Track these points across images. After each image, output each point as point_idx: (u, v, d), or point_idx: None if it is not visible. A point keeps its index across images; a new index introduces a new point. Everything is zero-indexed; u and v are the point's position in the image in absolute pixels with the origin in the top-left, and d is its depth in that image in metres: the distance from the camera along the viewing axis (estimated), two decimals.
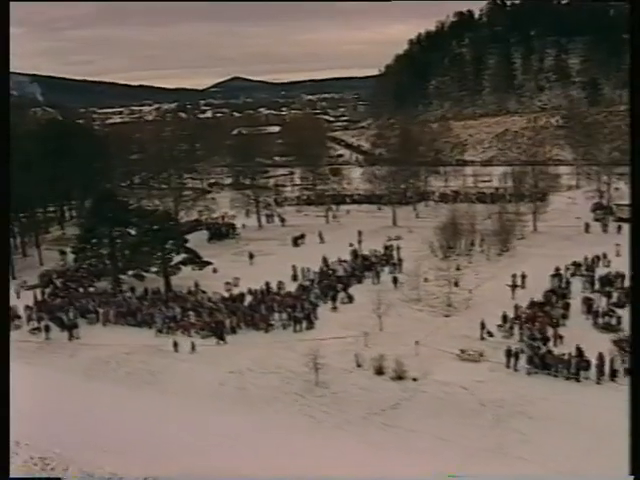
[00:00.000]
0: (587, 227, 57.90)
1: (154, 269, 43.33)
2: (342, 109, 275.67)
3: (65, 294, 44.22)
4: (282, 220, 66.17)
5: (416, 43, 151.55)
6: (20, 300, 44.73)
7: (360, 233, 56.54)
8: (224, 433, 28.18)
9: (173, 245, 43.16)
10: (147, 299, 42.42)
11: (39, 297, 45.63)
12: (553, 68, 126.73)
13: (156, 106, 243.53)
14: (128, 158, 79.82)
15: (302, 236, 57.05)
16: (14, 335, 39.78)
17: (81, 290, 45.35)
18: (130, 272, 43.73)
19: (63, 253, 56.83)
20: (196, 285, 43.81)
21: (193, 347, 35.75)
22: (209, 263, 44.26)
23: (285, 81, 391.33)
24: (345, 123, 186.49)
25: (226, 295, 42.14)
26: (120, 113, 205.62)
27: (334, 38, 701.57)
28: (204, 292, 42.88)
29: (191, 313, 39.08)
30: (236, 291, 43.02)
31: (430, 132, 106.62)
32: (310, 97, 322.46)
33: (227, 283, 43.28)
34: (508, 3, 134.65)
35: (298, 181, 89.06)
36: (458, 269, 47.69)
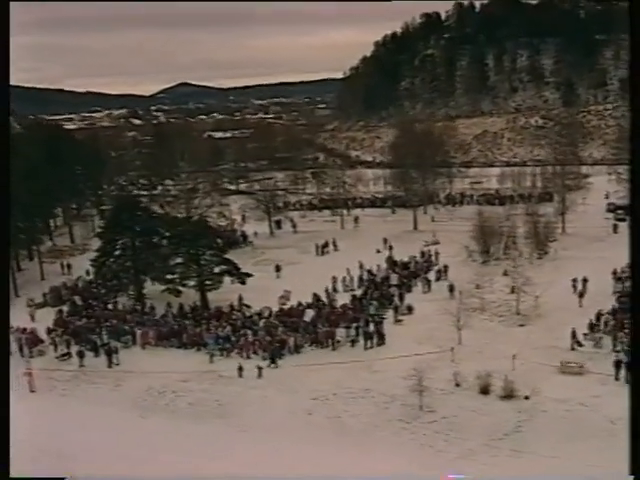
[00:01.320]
0: (615, 228, 56.42)
1: (191, 283, 38.73)
2: (295, 113, 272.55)
3: (88, 313, 39.00)
4: (294, 226, 62.13)
5: (382, 45, 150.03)
6: (37, 321, 39.66)
7: (386, 240, 53.48)
8: (329, 473, 24.39)
9: (212, 256, 38.68)
10: (187, 317, 37.76)
11: (53, 316, 40.30)
12: (526, 69, 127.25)
13: (107, 112, 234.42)
14: (106, 164, 74.00)
15: (326, 244, 53.30)
16: (40, 362, 34.97)
17: (104, 308, 40.12)
18: (163, 287, 38.93)
19: (68, 266, 51.48)
20: (240, 299, 39.46)
21: (260, 371, 31.58)
22: (249, 275, 39.98)
23: (233, 86, 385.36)
24: (306, 127, 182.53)
25: (272, 310, 37.95)
26: (71, 120, 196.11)
27: (281, 44, 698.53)
28: (248, 306, 38.67)
29: (245, 332, 34.79)
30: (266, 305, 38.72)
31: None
32: (260, 102, 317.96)
33: (282, 297, 39.11)
34: (477, 4, 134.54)
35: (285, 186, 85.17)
36: (505, 274, 45.06)
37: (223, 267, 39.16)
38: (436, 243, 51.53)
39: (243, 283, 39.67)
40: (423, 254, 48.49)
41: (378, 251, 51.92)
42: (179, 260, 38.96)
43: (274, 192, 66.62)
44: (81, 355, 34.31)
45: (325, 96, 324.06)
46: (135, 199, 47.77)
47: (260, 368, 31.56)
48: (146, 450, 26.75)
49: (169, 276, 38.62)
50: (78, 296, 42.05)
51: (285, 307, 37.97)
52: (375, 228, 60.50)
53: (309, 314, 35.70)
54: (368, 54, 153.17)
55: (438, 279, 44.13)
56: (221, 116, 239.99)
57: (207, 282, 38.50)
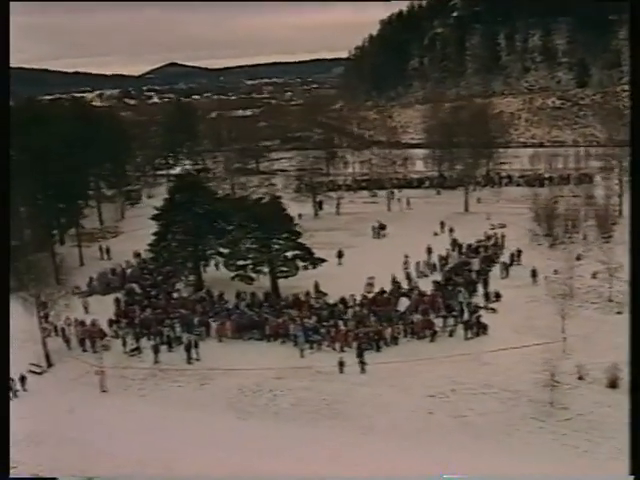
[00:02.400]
0: None
1: (265, 269, 35.90)
2: (289, 93, 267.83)
3: (152, 303, 36.01)
4: (338, 207, 59.19)
5: (389, 24, 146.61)
6: (90, 313, 36.69)
7: (443, 222, 51.02)
8: (462, 477, 22.07)
9: (286, 240, 35.84)
10: (262, 306, 34.97)
11: (104, 306, 37.38)
12: (538, 49, 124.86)
13: (98, 92, 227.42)
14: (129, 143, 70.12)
15: (383, 227, 50.62)
16: (105, 359, 31.99)
17: (168, 297, 37.12)
18: (233, 273, 36.02)
19: (107, 251, 48.35)
20: (316, 287, 36.74)
21: (363, 366, 29.02)
22: (323, 260, 37.20)
23: (222, 66, 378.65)
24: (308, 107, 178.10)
25: (356, 297, 35.32)
26: (68, 99, 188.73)
27: (268, 24, 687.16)
28: (324, 294, 36.01)
29: (336, 322, 32.15)
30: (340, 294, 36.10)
31: (423, 114, 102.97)
32: (252, 82, 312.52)
33: (369, 284, 36.46)
34: None
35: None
36: (578, 259, 42.85)
37: (296, 252, 36.30)
38: (503, 226, 49.12)
39: (314, 267, 36.86)
40: (489, 237, 46.09)
41: (436, 234, 49.58)
42: (250, 245, 36.01)
43: (304, 172, 63.71)
44: (156, 350, 31.44)
45: (317, 76, 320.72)
46: (195, 178, 44.42)
47: (363, 363, 29.00)
48: (252, 456, 24.24)
49: (241, 262, 35.68)
50: (136, 284, 38.91)
51: (369, 295, 35.33)
52: (423, 210, 58.03)
53: (404, 303, 33.12)
54: (374, 33, 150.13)
55: (511, 264, 41.78)
56: (216, 96, 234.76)
57: (283, 268, 35.63)
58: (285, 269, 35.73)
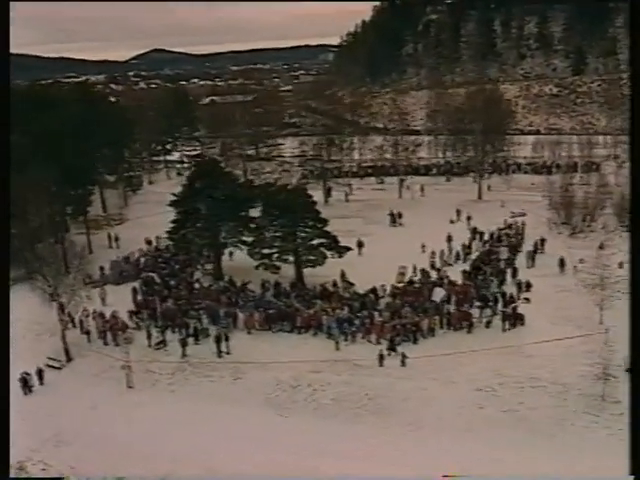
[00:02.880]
0: None
1: (290, 258, 34.68)
2: (277, 79, 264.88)
3: (173, 293, 34.63)
4: (347, 194, 57.95)
5: (382, 10, 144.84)
6: (109, 304, 35.27)
7: (459, 210, 50.17)
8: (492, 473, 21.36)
9: (312, 228, 34.61)
10: (288, 296, 33.78)
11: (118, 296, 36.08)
12: (534, 36, 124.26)
13: (84, 78, 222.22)
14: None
15: (400, 214, 49.50)
16: (131, 353, 30.58)
17: (190, 287, 35.76)
18: (257, 261, 34.76)
19: (116, 238, 46.78)
20: (342, 275, 35.61)
21: (403, 359, 28.03)
22: (348, 248, 36.03)
23: (207, 52, 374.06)
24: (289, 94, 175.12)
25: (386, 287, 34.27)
26: (51, 85, 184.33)
27: (251, 11, 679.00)
28: (351, 284, 34.90)
29: (371, 313, 31.08)
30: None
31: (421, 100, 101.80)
32: (237, 68, 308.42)
33: (401, 273, 35.39)
34: None
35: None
36: (602, 248, 42.15)
37: (322, 240, 35.09)
38: (522, 214, 48.32)
39: (340, 256, 35.71)
40: (510, 226, 45.27)
41: (452, 221, 48.79)
42: (274, 233, 34.72)
43: (307, 158, 62.35)
44: (184, 343, 30.10)
45: (302, 63, 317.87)
46: (215, 162, 42.75)
47: (405, 356, 28.00)
48: (294, 454, 23.13)
49: (266, 250, 34.41)
50: (153, 273, 37.45)
51: (400, 285, 34.29)
52: (434, 197, 57.12)
53: (438, 293, 32.10)
54: (367, 19, 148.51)
55: (535, 252, 41.01)
56: (203, 82, 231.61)
57: (310, 257, 34.39)
58: (313, 258, 34.52)
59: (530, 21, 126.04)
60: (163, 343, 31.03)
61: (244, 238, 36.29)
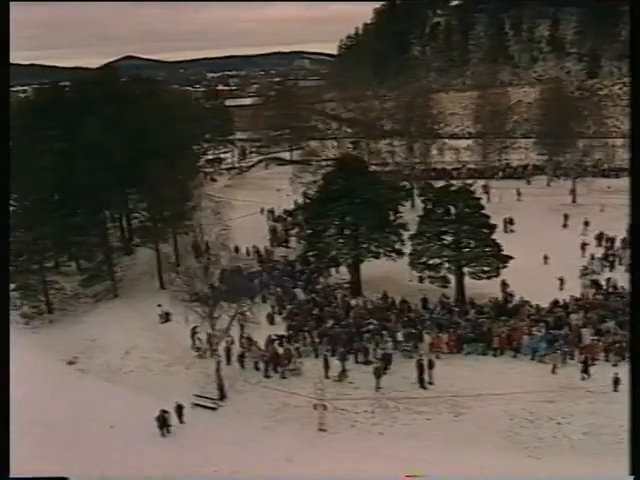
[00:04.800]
0: None
1: (463, 269, 30.50)
2: (256, 85, 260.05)
3: (323, 311, 30.01)
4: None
5: (383, 12, 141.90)
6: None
7: (567, 216, 46.87)
8: None
9: (484, 234, 30.51)
10: (453, 312, 29.65)
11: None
12: (545, 39, 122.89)
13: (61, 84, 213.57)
14: None
15: (511, 221, 45.70)
16: (297, 385, 26.09)
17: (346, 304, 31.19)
18: (419, 273, 30.52)
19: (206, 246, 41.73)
20: (503, 287, 31.63)
21: (616, 382, 24.17)
22: (510, 257, 31.95)
23: (180, 59, 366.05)
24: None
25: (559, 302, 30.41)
26: (25, 92, 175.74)
27: (222, 17, 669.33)
28: (530, 305, 30.68)
29: (579, 331, 27.17)
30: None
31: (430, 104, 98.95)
32: (213, 74, 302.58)
33: (595, 283, 31.52)
34: None
35: None
36: None
37: (486, 249, 31.01)
38: None
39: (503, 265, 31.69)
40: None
41: (565, 226, 45.51)
42: (437, 240, 30.47)
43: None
44: (378, 374, 25.45)
45: (278, 69, 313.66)
46: (358, 159, 38.05)
47: (617, 379, 24.07)
48: None
49: (434, 260, 30.13)
50: (296, 288, 32.60)
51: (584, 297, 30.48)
52: (528, 200, 53.40)
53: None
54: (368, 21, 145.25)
55: None
56: (182, 88, 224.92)
57: (484, 268, 30.21)
58: (486, 268, 30.31)
59: (540, 24, 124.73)
60: (344, 374, 26.36)
61: (397, 247, 31.93)
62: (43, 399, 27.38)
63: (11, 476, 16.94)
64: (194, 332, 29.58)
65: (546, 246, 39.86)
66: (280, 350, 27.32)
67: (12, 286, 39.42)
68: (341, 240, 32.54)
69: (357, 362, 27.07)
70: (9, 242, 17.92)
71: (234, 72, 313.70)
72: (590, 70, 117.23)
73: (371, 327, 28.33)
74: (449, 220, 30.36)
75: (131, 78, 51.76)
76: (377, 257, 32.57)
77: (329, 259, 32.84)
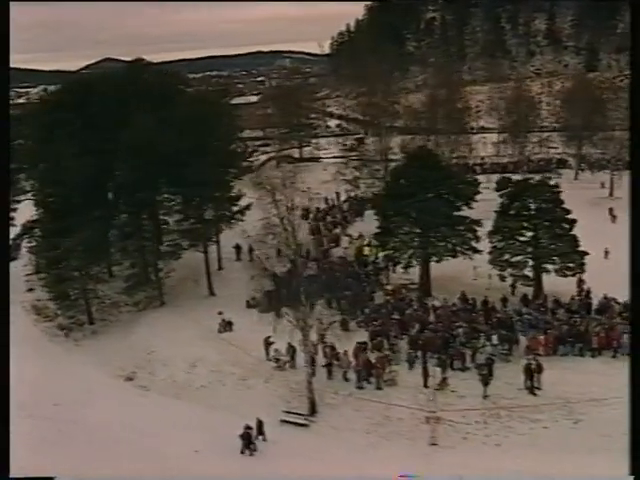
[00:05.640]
0: None
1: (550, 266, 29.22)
2: (240, 85, 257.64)
3: (404, 315, 28.45)
4: None
5: (376, 8, 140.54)
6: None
7: (612, 209, 46.02)
8: None
9: (565, 230, 29.24)
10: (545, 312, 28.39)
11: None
12: (542, 32, 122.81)
13: (42, 87, 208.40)
14: None
15: None
16: (396, 395, 24.47)
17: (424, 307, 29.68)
18: (499, 271, 29.15)
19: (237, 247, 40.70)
20: (579, 284, 30.37)
21: None
22: (586, 253, 30.69)
23: (159, 61, 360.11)
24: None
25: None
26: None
27: (202, 18, 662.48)
28: (617, 302, 29.35)
29: None
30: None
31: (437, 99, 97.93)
32: (195, 75, 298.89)
33: None
34: None
35: None
36: None
37: (560, 245, 29.72)
38: None
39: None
40: None
41: (613, 219, 44.76)
42: (517, 237, 29.14)
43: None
44: (486, 381, 23.97)
45: (259, 69, 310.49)
46: (429, 152, 36.27)
47: None
48: None
49: (517, 258, 28.81)
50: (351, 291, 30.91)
51: None
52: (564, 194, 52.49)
53: None
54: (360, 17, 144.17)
55: None
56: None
57: (569, 265, 28.92)
58: (571, 265, 29.02)
59: (537, 17, 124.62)
60: (445, 382, 24.81)
61: (473, 244, 30.52)
62: (106, 420, 25.08)
63: (11, 476, 16.95)
64: (268, 342, 27.78)
65: (602, 240, 38.86)
66: (372, 358, 25.60)
67: (47, 296, 37.91)
68: (416, 239, 30.96)
69: (453, 369, 25.53)
70: (9, 243, 16.31)
71: (215, 72, 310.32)
72: (589, 63, 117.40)
73: (460, 330, 26.80)
74: (529, 215, 29.02)
75: (159, 73, 49.05)
76: (454, 256, 31.10)
77: (405, 258, 31.16)
